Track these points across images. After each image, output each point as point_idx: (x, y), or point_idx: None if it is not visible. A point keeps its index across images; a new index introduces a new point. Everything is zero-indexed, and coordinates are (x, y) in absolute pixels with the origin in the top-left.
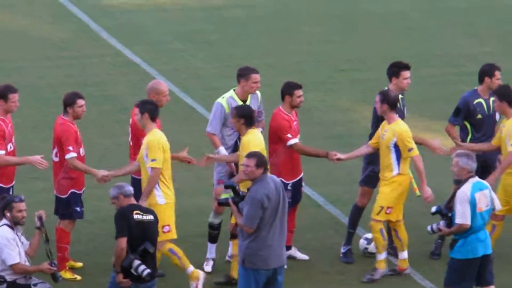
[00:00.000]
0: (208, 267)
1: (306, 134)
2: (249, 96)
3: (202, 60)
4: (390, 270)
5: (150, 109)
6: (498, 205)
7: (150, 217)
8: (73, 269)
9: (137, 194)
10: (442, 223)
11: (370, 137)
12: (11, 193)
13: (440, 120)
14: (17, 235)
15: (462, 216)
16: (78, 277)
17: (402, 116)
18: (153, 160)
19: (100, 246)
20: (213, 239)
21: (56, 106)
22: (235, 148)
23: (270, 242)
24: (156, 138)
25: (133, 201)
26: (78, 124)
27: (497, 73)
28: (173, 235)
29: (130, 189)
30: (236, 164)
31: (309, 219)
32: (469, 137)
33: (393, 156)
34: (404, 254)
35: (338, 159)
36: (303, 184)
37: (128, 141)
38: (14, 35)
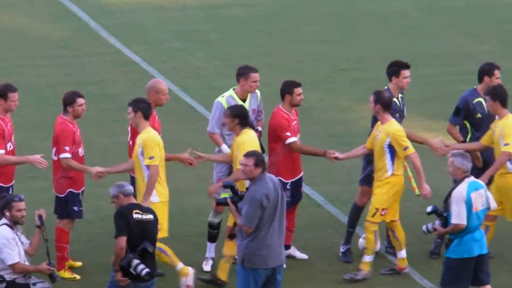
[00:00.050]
0: (207, 267)
1: (306, 133)
2: (249, 95)
3: (202, 59)
4: (390, 270)
5: (143, 107)
6: (493, 204)
7: (150, 216)
8: (72, 269)
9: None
10: (437, 222)
11: None
12: (10, 192)
13: (440, 119)
14: (17, 235)
15: (458, 216)
16: (78, 277)
17: (402, 116)
18: (150, 158)
19: (100, 246)
20: (212, 238)
21: (55, 105)
22: None
23: (269, 242)
24: (151, 136)
25: (133, 200)
26: (77, 123)
27: (496, 72)
28: (164, 233)
29: (130, 188)
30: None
31: (308, 219)
32: (468, 136)
33: (387, 157)
34: (403, 253)
35: (336, 158)
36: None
37: (128, 140)
38: (13, 34)
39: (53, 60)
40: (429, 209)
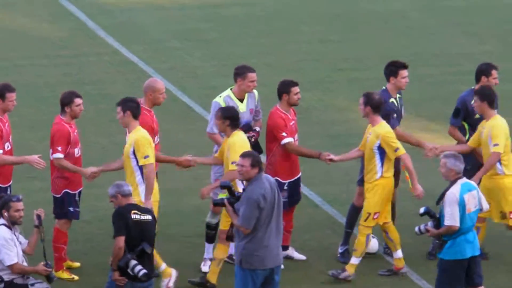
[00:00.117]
0: (205, 267)
1: (304, 133)
2: (246, 95)
3: (200, 59)
4: (387, 271)
5: (132, 107)
6: (485, 205)
7: (148, 217)
8: (70, 269)
9: None
10: (430, 224)
11: None
12: (8, 192)
13: (439, 120)
14: (15, 235)
15: (451, 218)
16: (76, 277)
17: (400, 116)
18: (145, 157)
19: (98, 246)
20: (210, 239)
21: (54, 105)
22: None
23: (266, 243)
24: (142, 135)
25: (131, 200)
26: (75, 123)
27: (494, 72)
28: None
29: (129, 188)
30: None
31: (306, 219)
32: (467, 136)
33: (377, 159)
34: (399, 253)
35: (331, 160)
36: (301, 184)
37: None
38: (12, 34)
39: (52, 60)
40: (421, 210)
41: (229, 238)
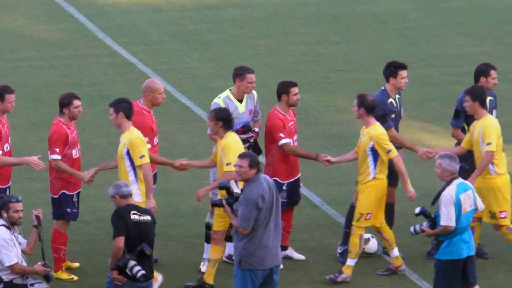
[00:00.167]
0: (204, 267)
1: (303, 134)
2: (245, 96)
3: (198, 60)
4: (386, 270)
5: (125, 107)
6: (481, 205)
7: (147, 218)
8: (69, 270)
9: None
10: (425, 224)
11: None
12: (7, 193)
13: (437, 120)
14: (14, 235)
15: (447, 218)
16: (75, 278)
17: (399, 117)
18: (141, 157)
19: (97, 247)
20: (209, 239)
21: (52, 106)
22: None
23: (265, 243)
24: (136, 136)
25: (130, 201)
26: (74, 124)
27: (492, 72)
28: None
29: (128, 189)
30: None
31: (305, 219)
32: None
33: (370, 160)
34: (395, 252)
35: (328, 162)
36: (301, 184)
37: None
38: (11, 35)
39: (50, 61)
40: (417, 210)
41: (228, 238)
